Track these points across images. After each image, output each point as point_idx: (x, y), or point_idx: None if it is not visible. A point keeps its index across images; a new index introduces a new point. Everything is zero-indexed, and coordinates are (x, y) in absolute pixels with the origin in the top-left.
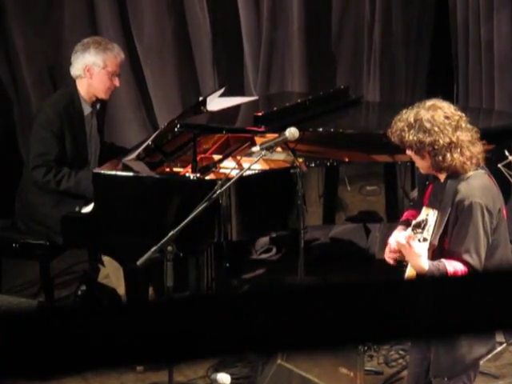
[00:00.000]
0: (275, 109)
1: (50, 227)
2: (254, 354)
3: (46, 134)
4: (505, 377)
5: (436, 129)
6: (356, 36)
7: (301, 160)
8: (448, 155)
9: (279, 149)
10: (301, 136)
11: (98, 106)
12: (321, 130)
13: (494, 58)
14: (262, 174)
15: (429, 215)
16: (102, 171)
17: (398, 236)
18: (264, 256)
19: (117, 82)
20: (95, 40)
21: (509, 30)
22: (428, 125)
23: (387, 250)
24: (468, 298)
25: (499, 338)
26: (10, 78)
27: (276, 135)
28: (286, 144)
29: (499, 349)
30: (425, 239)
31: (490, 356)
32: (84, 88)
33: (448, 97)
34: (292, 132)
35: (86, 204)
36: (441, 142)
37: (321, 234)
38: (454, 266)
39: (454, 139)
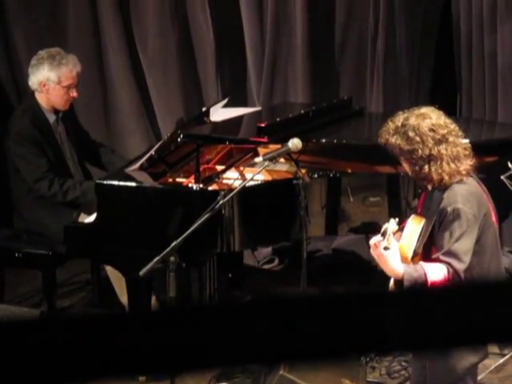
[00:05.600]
0: (278, 119)
1: (51, 238)
2: (256, 364)
3: (26, 149)
4: None
5: (418, 139)
6: (359, 47)
7: (304, 171)
8: (426, 167)
9: (282, 159)
10: (304, 147)
11: (60, 114)
12: (324, 141)
13: (497, 69)
14: (265, 185)
15: (389, 224)
16: (105, 181)
17: (370, 241)
18: (266, 267)
19: (74, 94)
20: (50, 54)
21: None
22: (411, 133)
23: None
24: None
25: (501, 349)
26: (14, 87)
27: (279, 146)
28: (288, 155)
29: (501, 360)
30: (386, 248)
31: (492, 368)
32: (43, 100)
33: (451, 108)
34: (295, 143)
35: (85, 212)
36: (419, 152)
37: (323, 244)
38: (432, 267)
39: (433, 152)
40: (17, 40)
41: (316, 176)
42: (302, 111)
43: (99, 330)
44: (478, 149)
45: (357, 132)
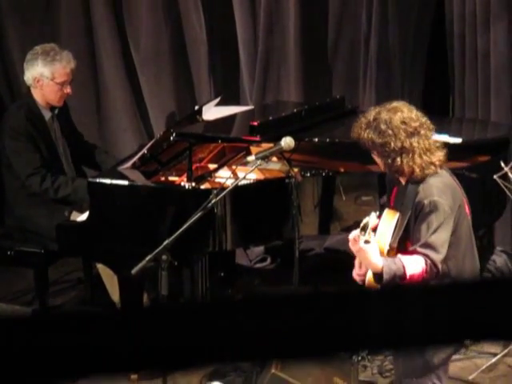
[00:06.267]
0: (271, 118)
1: (43, 236)
2: (247, 362)
3: (20, 143)
4: None
5: (390, 132)
6: (352, 46)
7: (296, 170)
8: (398, 159)
9: (274, 158)
10: (296, 146)
11: (56, 111)
12: (316, 139)
13: (490, 69)
14: (257, 184)
15: (371, 217)
16: (98, 180)
17: (349, 236)
18: (259, 265)
19: (68, 90)
20: (44, 50)
21: (505, 42)
22: (383, 126)
23: (356, 268)
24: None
25: (494, 348)
26: (7, 86)
27: (271, 145)
28: (281, 154)
29: (493, 360)
30: (367, 241)
31: (484, 367)
32: (38, 96)
33: (444, 107)
34: (287, 142)
35: (76, 210)
36: (392, 145)
37: (316, 243)
38: (410, 259)
39: (406, 145)
40: (10, 40)
41: (308, 175)
42: (295, 110)
43: (91, 328)
44: (470, 148)
45: (349, 131)
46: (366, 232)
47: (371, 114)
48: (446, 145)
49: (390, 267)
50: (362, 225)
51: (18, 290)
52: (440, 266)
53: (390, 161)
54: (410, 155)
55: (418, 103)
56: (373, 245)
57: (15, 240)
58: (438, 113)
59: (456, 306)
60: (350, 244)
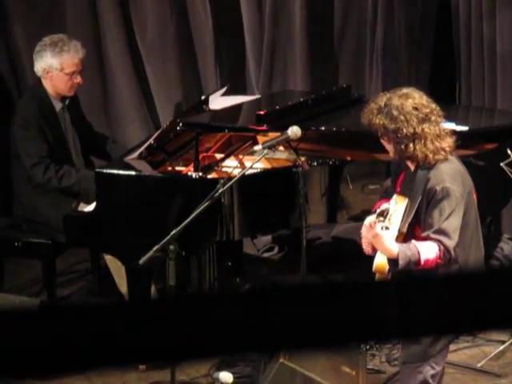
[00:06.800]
0: (277, 107)
1: (51, 226)
2: (255, 353)
3: (29, 133)
4: (507, 375)
5: (402, 117)
6: (358, 34)
7: (303, 159)
8: (410, 145)
9: (281, 148)
10: (303, 135)
11: (67, 101)
12: (323, 128)
13: (496, 56)
14: (264, 173)
15: (391, 204)
16: (105, 170)
17: (365, 222)
18: (266, 255)
19: (78, 79)
20: (52, 41)
21: (511, 28)
22: (395, 112)
23: (363, 239)
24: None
25: (502, 336)
26: (13, 77)
27: (278, 134)
28: (288, 143)
29: (502, 347)
30: (386, 228)
31: (492, 355)
32: (49, 87)
33: (451, 95)
34: (294, 131)
35: (84, 201)
36: (404, 131)
37: (323, 232)
38: (424, 245)
39: (418, 130)
40: (15, 27)
41: (315, 164)
42: (301, 99)
43: (99, 319)
44: (477, 136)
45: (356, 119)
46: (385, 218)
47: (382, 99)
48: (453, 132)
49: (406, 253)
50: (379, 211)
51: (26, 280)
52: (453, 252)
53: (402, 147)
54: (423, 141)
55: (424, 91)
56: (390, 231)
57: (23, 231)
58: (445, 100)
59: (466, 296)
60: (366, 229)
